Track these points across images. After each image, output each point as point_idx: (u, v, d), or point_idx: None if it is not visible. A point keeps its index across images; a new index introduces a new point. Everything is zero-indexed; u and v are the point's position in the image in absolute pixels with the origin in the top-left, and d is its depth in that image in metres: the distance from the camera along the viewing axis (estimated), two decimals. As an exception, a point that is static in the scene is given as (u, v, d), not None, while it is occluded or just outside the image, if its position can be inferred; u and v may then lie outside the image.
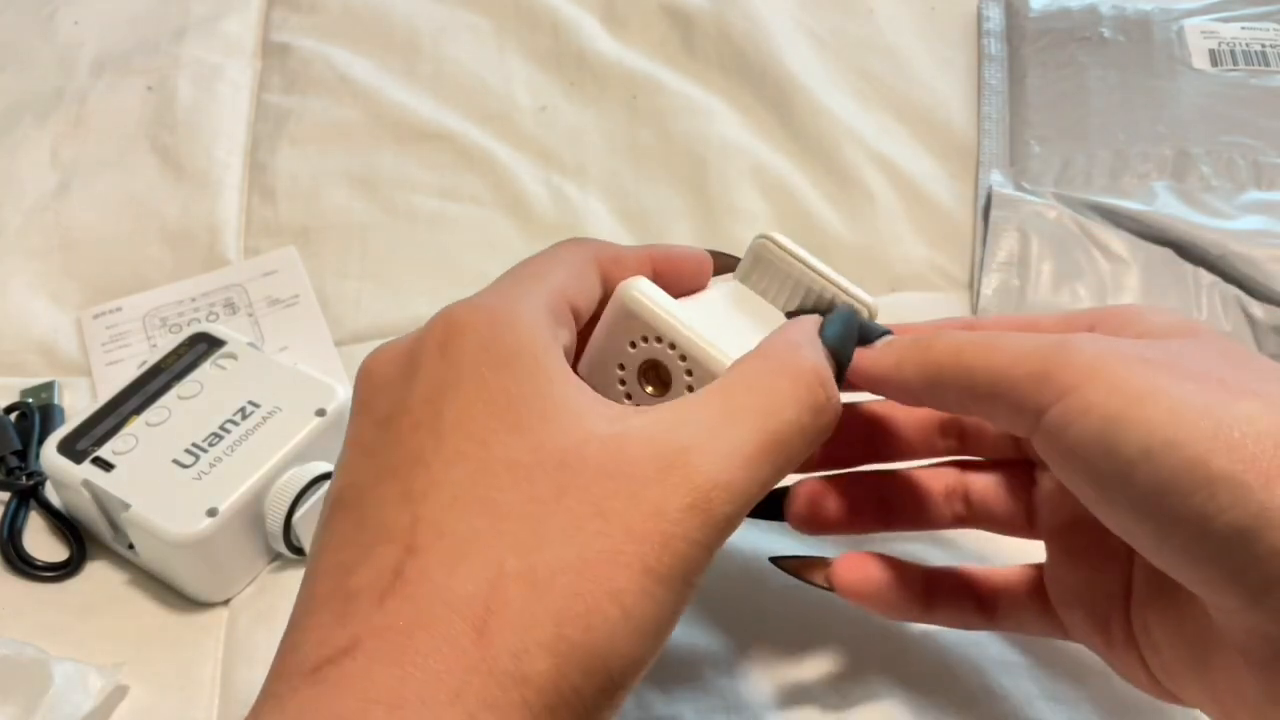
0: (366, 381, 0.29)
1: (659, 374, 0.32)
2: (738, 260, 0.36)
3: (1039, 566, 0.34)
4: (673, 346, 0.31)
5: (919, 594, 0.34)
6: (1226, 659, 0.27)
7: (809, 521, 0.35)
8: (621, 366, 0.32)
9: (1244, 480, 0.24)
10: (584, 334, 0.32)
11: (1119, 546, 0.31)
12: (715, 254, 0.36)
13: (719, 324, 0.32)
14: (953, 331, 0.30)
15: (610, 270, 0.32)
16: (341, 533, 0.27)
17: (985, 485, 0.35)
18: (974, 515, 0.35)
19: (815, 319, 0.32)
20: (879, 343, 0.32)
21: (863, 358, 0.32)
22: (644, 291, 0.31)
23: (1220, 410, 0.25)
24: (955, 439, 0.36)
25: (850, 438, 0.36)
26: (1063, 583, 0.33)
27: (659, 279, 0.32)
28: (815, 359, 0.29)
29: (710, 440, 0.26)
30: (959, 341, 0.29)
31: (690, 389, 0.31)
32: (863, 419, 0.36)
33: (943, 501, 0.35)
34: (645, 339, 0.31)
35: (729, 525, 0.26)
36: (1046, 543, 0.34)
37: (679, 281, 0.34)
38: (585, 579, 0.25)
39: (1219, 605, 0.26)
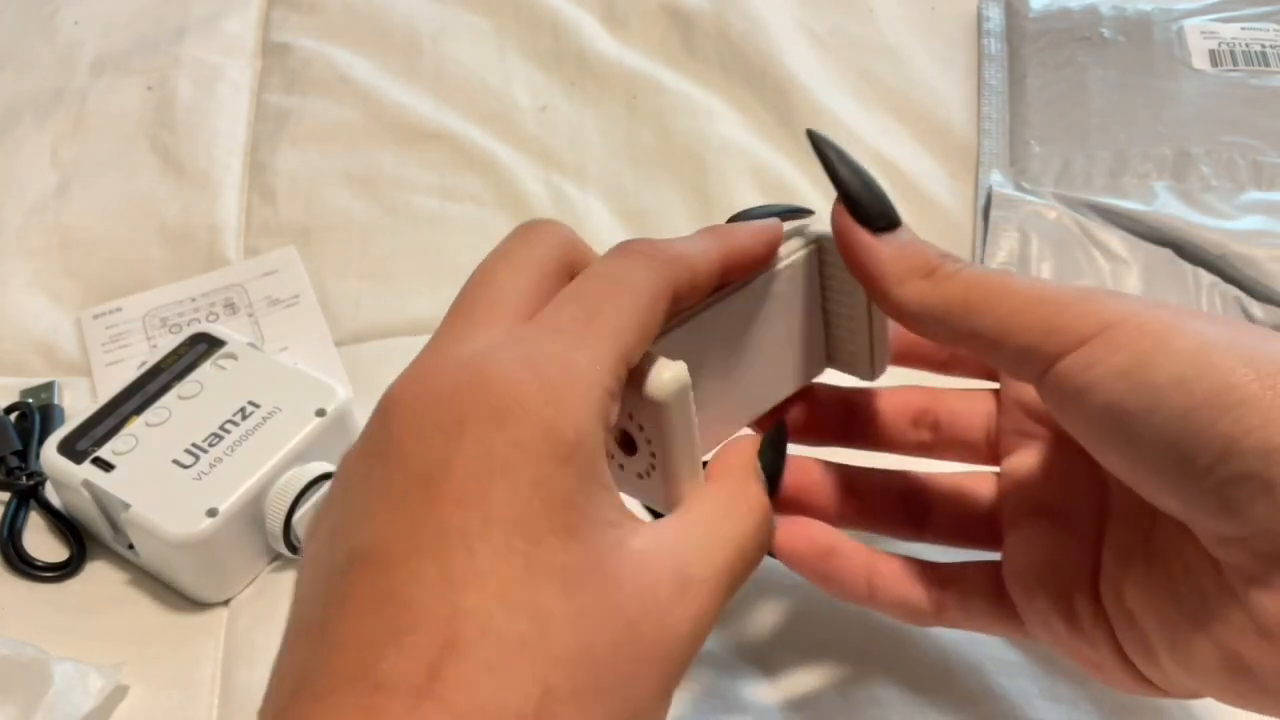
0: (399, 420, 0.26)
1: (630, 441, 0.30)
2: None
3: (993, 562, 0.34)
4: (647, 439, 0.30)
5: (861, 573, 0.33)
6: (1226, 602, 0.26)
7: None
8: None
9: (1276, 402, 0.24)
10: None
11: (1085, 525, 0.31)
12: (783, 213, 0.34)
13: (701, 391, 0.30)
14: (964, 271, 0.29)
15: (687, 295, 0.29)
16: (366, 601, 0.24)
17: (947, 491, 0.35)
18: (933, 524, 0.35)
19: (754, 442, 0.31)
20: (889, 236, 0.30)
21: (871, 249, 0.30)
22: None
23: (1250, 344, 0.25)
24: (929, 430, 0.35)
25: (824, 419, 0.36)
26: (1023, 570, 0.32)
27: (731, 275, 0.31)
28: (764, 498, 0.30)
29: (707, 570, 0.27)
30: (968, 282, 0.29)
31: (652, 468, 0.30)
32: (838, 401, 0.36)
33: (905, 506, 0.35)
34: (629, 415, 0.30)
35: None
36: (1007, 534, 0.33)
37: (754, 268, 0.32)
38: (616, 702, 0.24)
39: (1232, 535, 0.26)
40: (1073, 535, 0.31)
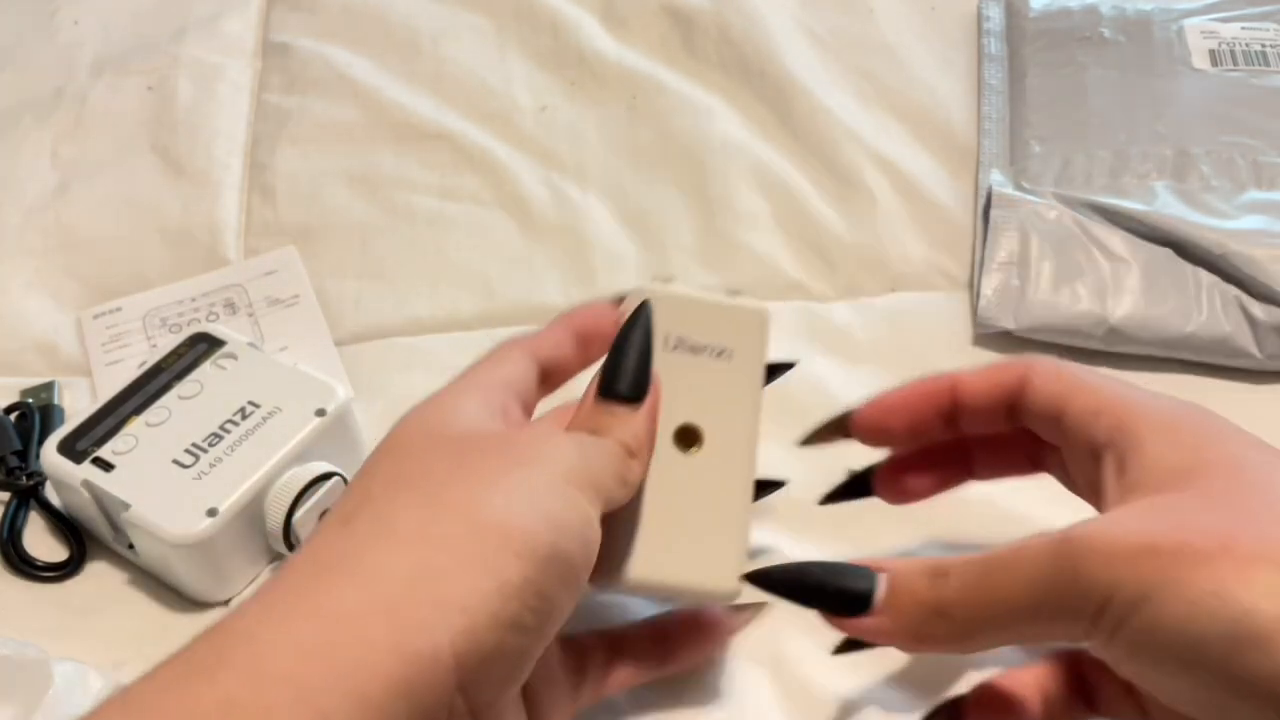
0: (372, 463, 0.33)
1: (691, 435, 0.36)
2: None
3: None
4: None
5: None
6: None
7: (893, 488, 0.38)
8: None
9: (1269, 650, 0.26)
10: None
11: None
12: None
13: None
14: (954, 591, 0.31)
15: (550, 349, 0.36)
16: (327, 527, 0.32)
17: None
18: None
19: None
20: (878, 597, 0.32)
21: (873, 631, 0.32)
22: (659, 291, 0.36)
23: (1233, 595, 0.26)
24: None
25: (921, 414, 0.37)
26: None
27: (588, 346, 0.37)
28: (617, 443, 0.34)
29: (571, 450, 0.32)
30: (960, 598, 0.31)
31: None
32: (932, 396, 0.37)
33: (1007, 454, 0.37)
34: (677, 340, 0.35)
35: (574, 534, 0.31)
36: None
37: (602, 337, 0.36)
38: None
39: None
40: None
